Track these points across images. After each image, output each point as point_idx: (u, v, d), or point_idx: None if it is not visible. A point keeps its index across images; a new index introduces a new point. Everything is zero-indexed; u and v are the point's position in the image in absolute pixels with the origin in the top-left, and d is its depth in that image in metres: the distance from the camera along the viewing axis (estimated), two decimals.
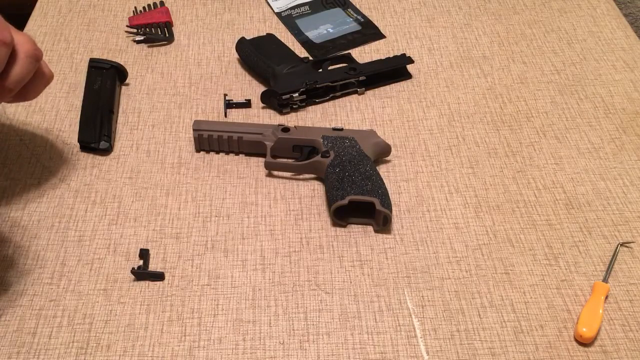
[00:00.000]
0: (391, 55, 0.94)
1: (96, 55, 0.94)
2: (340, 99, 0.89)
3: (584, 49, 0.96)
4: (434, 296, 0.68)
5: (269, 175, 0.79)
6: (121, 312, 0.66)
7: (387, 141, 0.80)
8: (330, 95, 0.88)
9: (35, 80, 0.65)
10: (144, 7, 1.02)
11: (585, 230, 0.74)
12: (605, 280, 0.69)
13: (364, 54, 0.95)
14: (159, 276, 0.69)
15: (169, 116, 0.86)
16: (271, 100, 0.86)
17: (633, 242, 0.73)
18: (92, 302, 0.67)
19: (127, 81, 0.90)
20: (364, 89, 0.89)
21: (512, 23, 1.01)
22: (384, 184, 0.74)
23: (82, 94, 0.86)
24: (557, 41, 0.98)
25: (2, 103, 0.87)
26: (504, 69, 0.93)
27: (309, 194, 0.77)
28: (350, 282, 0.69)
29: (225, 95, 0.88)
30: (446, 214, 0.75)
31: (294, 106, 0.87)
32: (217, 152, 0.82)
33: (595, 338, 0.64)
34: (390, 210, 0.72)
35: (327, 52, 0.95)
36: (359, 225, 0.74)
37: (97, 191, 0.77)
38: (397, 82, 0.91)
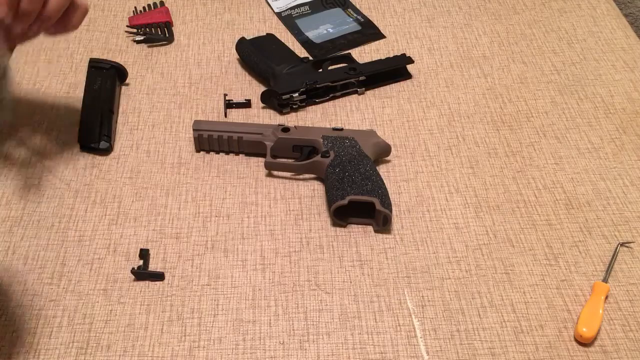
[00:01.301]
0: (391, 55, 0.94)
1: (96, 55, 0.94)
2: (340, 99, 0.89)
3: (584, 49, 0.96)
4: (434, 296, 0.68)
5: (269, 175, 0.79)
6: (121, 312, 0.66)
7: (387, 141, 0.80)
8: (330, 95, 0.88)
9: (72, 11, 0.68)
10: (144, 7, 1.02)
11: (585, 230, 0.74)
12: (605, 280, 0.69)
13: (364, 54, 0.95)
14: (159, 276, 0.69)
15: (169, 116, 0.86)
16: (271, 100, 0.86)
17: (633, 242, 0.73)
18: (92, 302, 0.67)
19: (127, 81, 0.90)
20: (364, 89, 0.89)
21: (512, 23, 1.01)
22: (384, 184, 0.74)
23: (82, 94, 0.86)
24: (557, 41, 0.98)
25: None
26: (504, 69, 0.93)
27: (309, 194, 0.77)
28: (350, 282, 0.69)
29: (225, 95, 0.88)
30: (446, 214, 0.75)
31: (294, 106, 0.87)
32: (217, 152, 0.82)
33: (595, 338, 0.64)
34: (390, 210, 0.72)
35: (327, 52, 0.95)
36: (359, 225, 0.74)
37: (97, 191, 0.77)
38: (397, 82, 0.91)
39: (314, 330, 0.65)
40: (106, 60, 0.88)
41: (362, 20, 1.01)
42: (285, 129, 0.80)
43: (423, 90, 0.90)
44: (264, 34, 0.95)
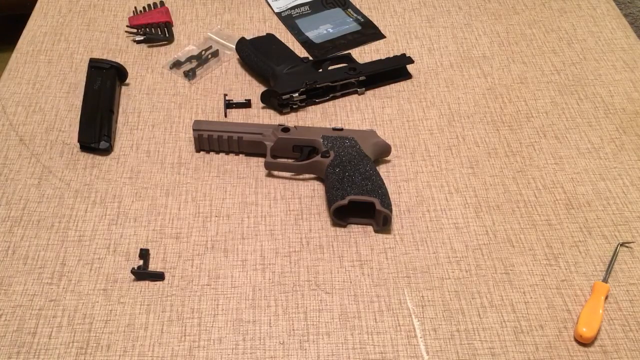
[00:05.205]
0: (391, 55, 0.94)
1: (96, 55, 0.94)
2: (340, 99, 0.89)
3: (584, 49, 0.96)
4: (434, 296, 0.68)
5: (269, 175, 0.79)
6: (121, 312, 0.66)
7: (387, 141, 0.80)
8: (330, 95, 0.88)
9: None
10: (144, 7, 1.02)
11: (585, 230, 0.74)
12: (605, 280, 0.69)
13: (364, 54, 0.95)
14: (159, 276, 0.69)
15: (169, 116, 0.86)
16: (271, 100, 0.86)
17: (633, 242, 0.73)
18: (92, 302, 0.67)
19: (127, 81, 0.90)
20: (364, 89, 0.89)
21: (512, 23, 1.01)
22: (384, 184, 0.74)
23: (82, 94, 0.86)
24: (557, 41, 0.98)
25: (2, 103, 0.87)
26: (504, 69, 0.93)
27: (309, 194, 0.77)
28: (350, 282, 0.69)
29: (225, 95, 0.88)
30: (446, 214, 0.75)
31: (294, 106, 0.87)
32: (217, 152, 0.82)
33: (595, 338, 0.64)
34: (390, 210, 0.72)
35: (327, 52, 0.95)
36: (359, 225, 0.74)
37: (97, 191, 0.77)
38: (397, 82, 0.91)
39: (314, 330, 0.65)
40: (106, 60, 0.88)
41: (362, 20, 1.01)
42: (285, 129, 0.80)
43: (423, 90, 0.90)
44: (264, 34, 0.95)
